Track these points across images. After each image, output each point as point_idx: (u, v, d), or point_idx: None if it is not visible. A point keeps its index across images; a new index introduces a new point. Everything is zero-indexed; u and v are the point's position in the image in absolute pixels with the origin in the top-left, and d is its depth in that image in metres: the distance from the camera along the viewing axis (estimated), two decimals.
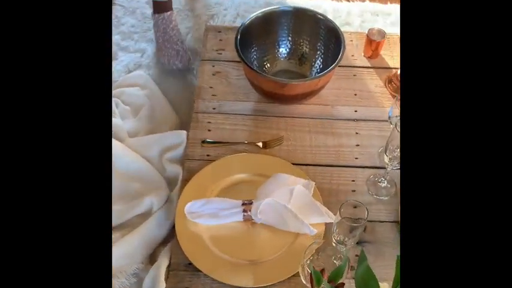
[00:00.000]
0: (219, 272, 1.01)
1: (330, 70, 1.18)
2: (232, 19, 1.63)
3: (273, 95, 1.25)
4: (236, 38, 1.22)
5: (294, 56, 1.35)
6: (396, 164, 1.07)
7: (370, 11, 1.66)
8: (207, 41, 1.46)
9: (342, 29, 1.28)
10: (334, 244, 0.96)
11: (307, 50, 1.33)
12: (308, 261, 0.86)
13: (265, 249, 1.06)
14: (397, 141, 1.02)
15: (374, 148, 1.22)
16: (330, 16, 1.61)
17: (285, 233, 1.08)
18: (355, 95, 1.34)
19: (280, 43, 1.34)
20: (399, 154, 1.04)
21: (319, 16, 1.29)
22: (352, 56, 1.42)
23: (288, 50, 1.35)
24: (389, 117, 1.11)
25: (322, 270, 0.80)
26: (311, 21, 1.30)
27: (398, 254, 0.78)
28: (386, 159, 1.07)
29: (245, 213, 1.09)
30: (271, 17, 1.30)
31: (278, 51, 1.34)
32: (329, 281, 0.77)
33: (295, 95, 1.23)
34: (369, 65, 1.40)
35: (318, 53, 1.31)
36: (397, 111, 1.07)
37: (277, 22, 1.31)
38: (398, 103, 1.08)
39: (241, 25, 1.26)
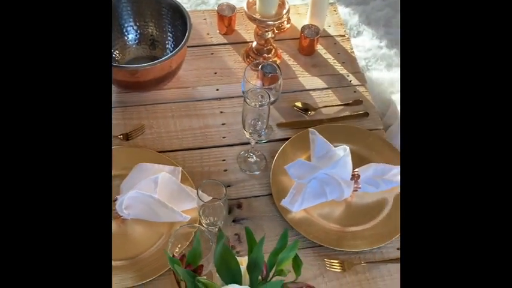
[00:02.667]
0: None
1: (179, 49, 1.12)
2: None
3: (128, 84, 1.16)
4: None
5: (145, 41, 1.27)
6: (257, 136, 1.06)
7: None
8: None
9: (198, 8, 1.23)
10: (205, 227, 0.92)
11: (156, 32, 1.26)
12: (173, 249, 0.81)
13: (141, 244, 0.99)
14: (252, 114, 1.00)
15: (240, 125, 1.18)
16: None
17: (158, 225, 1.01)
18: (215, 73, 1.29)
19: (127, 29, 1.25)
20: (258, 127, 1.03)
21: None
22: (208, 34, 1.37)
23: (136, 35, 1.26)
24: (242, 92, 1.08)
25: (183, 256, 0.75)
26: (151, 2, 1.22)
27: (286, 229, 0.78)
28: (247, 134, 1.05)
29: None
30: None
31: (127, 37, 1.26)
32: (187, 266, 0.73)
33: (150, 80, 1.15)
34: (226, 42, 1.36)
35: (168, 34, 1.25)
36: (249, 85, 1.04)
37: (116, 7, 1.22)
38: (249, 75, 1.06)
39: None
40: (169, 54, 1.12)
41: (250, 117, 1.00)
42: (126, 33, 1.25)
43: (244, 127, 1.04)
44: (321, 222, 1.05)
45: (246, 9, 1.21)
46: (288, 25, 1.41)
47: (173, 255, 0.79)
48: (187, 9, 1.20)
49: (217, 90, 1.25)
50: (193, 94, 1.24)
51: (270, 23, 1.20)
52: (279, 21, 1.21)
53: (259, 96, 1.03)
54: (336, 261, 1.00)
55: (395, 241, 1.03)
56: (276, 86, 1.06)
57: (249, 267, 0.71)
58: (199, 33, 1.37)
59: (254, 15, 1.20)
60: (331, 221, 1.05)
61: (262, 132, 1.06)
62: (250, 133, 1.04)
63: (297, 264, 0.76)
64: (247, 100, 0.98)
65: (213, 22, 1.39)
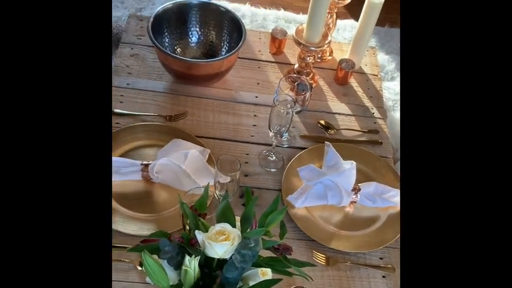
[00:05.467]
0: (122, 225, 1.08)
1: (230, 55, 1.29)
2: None
3: (182, 75, 1.34)
4: (148, 21, 1.32)
5: (204, 45, 1.45)
6: (279, 137, 1.20)
7: (284, 18, 1.81)
8: (128, 27, 1.54)
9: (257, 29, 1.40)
10: (217, 197, 1.06)
11: (215, 39, 1.44)
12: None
13: (162, 205, 1.14)
14: (277, 118, 1.14)
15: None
16: (247, 20, 1.75)
17: (180, 192, 1.16)
18: (258, 84, 1.46)
19: (192, 33, 1.45)
20: (281, 130, 1.18)
21: (222, 9, 1.40)
22: (259, 51, 1.55)
23: (198, 39, 1.45)
24: (273, 99, 1.23)
25: (192, 206, 0.88)
26: (215, 13, 1.40)
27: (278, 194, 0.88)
28: (270, 134, 1.20)
29: (144, 173, 1.17)
30: (182, 8, 1.39)
31: (190, 39, 1.45)
32: (194, 211, 0.87)
33: (201, 76, 1.33)
34: (273, 60, 1.53)
35: (225, 43, 1.43)
36: (281, 93, 1.19)
37: (187, 12, 1.41)
38: (282, 87, 1.21)
39: (155, 12, 1.35)
40: (221, 57, 1.30)
41: (275, 120, 1.15)
42: (190, 36, 1.45)
43: (269, 127, 1.19)
44: (318, 221, 1.17)
45: (294, 34, 1.38)
46: (330, 57, 1.57)
47: None
48: (247, 28, 1.39)
49: (256, 97, 1.42)
50: (235, 96, 1.41)
51: (312, 48, 1.36)
52: (320, 48, 1.37)
53: (288, 105, 1.18)
54: (323, 255, 1.11)
55: (380, 251, 1.13)
56: (304, 98, 1.21)
57: (242, 220, 0.85)
58: (252, 49, 1.55)
59: (300, 40, 1.36)
60: (328, 223, 1.17)
61: (284, 134, 1.21)
62: (273, 134, 1.19)
63: (282, 231, 0.88)
64: (277, 104, 1.13)
65: (266, 42, 1.57)
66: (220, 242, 0.76)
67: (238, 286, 0.82)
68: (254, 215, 0.84)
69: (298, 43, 1.36)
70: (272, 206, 0.85)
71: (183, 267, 0.76)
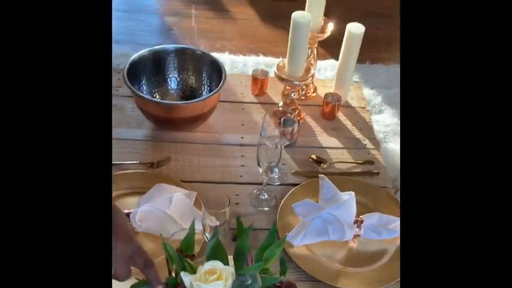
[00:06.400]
0: None
1: (213, 93, 1.23)
2: None
3: (163, 120, 1.27)
4: (124, 68, 1.26)
5: (184, 90, 1.39)
6: (270, 173, 1.12)
7: (264, 63, 1.77)
8: None
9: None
10: (207, 241, 0.95)
11: (194, 84, 1.39)
12: None
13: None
14: (265, 155, 1.07)
15: (257, 167, 1.26)
16: (227, 67, 1.71)
17: (166, 240, 1.05)
18: (243, 125, 1.39)
19: (171, 79, 1.39)
20: (271, 166, 1.09)
21: (199, 52, 1.36)
22: (241, 93, 1.49)
23: (177, 85, 1.39)
24: (260, 134, 1.15)
25: (178, 250, 0.78)
26: (193, 58, 1.36)
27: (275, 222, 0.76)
28: (260, 170, 1.11)
29: None
30: (158, 54, 1.35)
31: (169, 86, 1.39)
32: (180, 252, 0.76)
33: (183, 119, 1.26)
34: (256, 101, 1.48)
35: (206, 86, 1.37)
36: (268, 128, 1.12)
37: (163, 59, 1.36)
38: (268, 123, 1.14)
39: (131, 59, 1.30)
40: (202, 97, 1.24)
41: (264, 156, 1.07)
42: (169, 82, 1.39)
43: (258, 163, 1.10)
44: (321, 259, 1.05)
45: (275, 70, 1.33)
46: (314, 94, 1.52)
47: None
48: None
49: (242, 138, 1.34)
50: (220, 139, 1.33)
51: (296, 82, 1.31)
52: (303, 82, 1.32)
53: (275, 140, 1.10)
54: None
55: (392, 286, 1.01)
56: (292, 131, 1.14)
57: (235, 256, 0.74)
58: (234, 92, 1.50)
59: (282, 75, 1.31)
60: (331, 260, 1.06)
61: (274, 170, 1.12)
62: (264, 169, 1.11)
63: (283, 267, 0.78)
64: (264, 138, 1.06)
65: (247, 85, 1.52)
66: (211, 283, 0.65)
67: None
68: (249, 249, 0.74)
69: (281, 79, 1.31)
70: (269, 239, 0.75)
71: None
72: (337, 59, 1.45)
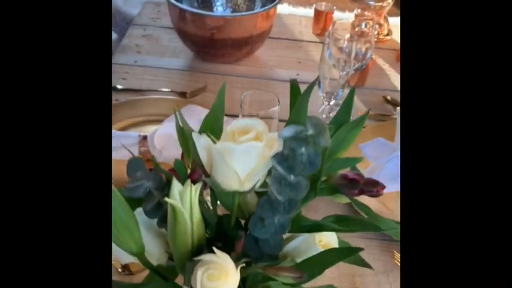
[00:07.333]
0: None
1: (269, 7, 0.98)
2: None
3: (204, 43, 1.03)
4: None
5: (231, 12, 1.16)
6: (333, 100, 0.86)
7: None
8: (142, 12, 1.28)
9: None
10: None
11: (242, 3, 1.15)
12: None
13: None
14: (328, 72, 0.83)
15: (312, 107, 1.00)
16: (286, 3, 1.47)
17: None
18: (299, 62, 1.13)
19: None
20: (336, 89, 0.84)
21: None
22: (300, 32, 1.24)
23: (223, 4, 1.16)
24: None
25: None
26: None
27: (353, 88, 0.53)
28: (320, 94, 0.86)
29: (141, 148, 0.83)
30: None
31: (215, 4, 1.16)
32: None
33: (228, 41, 1.01)
34: (317, 40, 1.22)
35: (256, 5, 1.13)
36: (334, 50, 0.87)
37: None
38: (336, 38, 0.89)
39: None
40: (255, 11, 0.99)
41: (326, 71, 0.83)
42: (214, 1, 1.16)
43: (318, 84, 0.85)
44: (397, 216, 0.77)
45: None
46: (388, 37, 1.24)
47: None
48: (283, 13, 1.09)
49: (298, 75, 1.08)
50: (270, 74, 1.08)
51: (371, 3, 1.04)
52: (380, 3, 1.05)
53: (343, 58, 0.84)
54: None
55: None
56: (365, 51, 0.88)
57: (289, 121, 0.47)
58: (291, 31, 1.25)
59: None
60: None
61: (340, 93, 0.86)
62: (325, 94, 0.85)
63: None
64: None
65: (307, 25, 1.26)
66: (243, 144, 0.39)
67: (279, 262, 0.43)
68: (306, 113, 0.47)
69: None
70: (348, 102, 0.48)
71: (169, 204, 0.39)
72: None
